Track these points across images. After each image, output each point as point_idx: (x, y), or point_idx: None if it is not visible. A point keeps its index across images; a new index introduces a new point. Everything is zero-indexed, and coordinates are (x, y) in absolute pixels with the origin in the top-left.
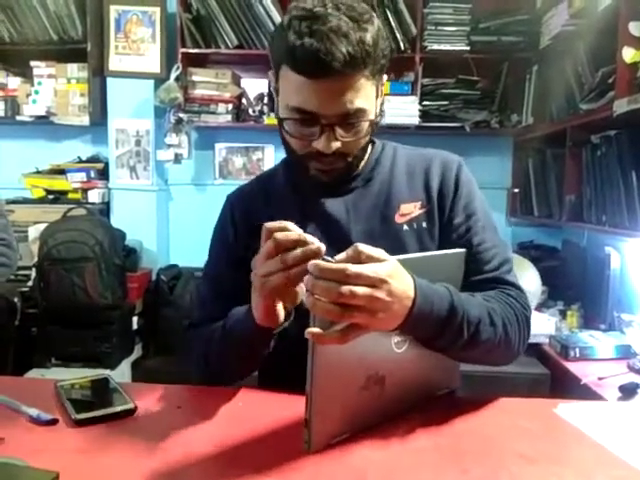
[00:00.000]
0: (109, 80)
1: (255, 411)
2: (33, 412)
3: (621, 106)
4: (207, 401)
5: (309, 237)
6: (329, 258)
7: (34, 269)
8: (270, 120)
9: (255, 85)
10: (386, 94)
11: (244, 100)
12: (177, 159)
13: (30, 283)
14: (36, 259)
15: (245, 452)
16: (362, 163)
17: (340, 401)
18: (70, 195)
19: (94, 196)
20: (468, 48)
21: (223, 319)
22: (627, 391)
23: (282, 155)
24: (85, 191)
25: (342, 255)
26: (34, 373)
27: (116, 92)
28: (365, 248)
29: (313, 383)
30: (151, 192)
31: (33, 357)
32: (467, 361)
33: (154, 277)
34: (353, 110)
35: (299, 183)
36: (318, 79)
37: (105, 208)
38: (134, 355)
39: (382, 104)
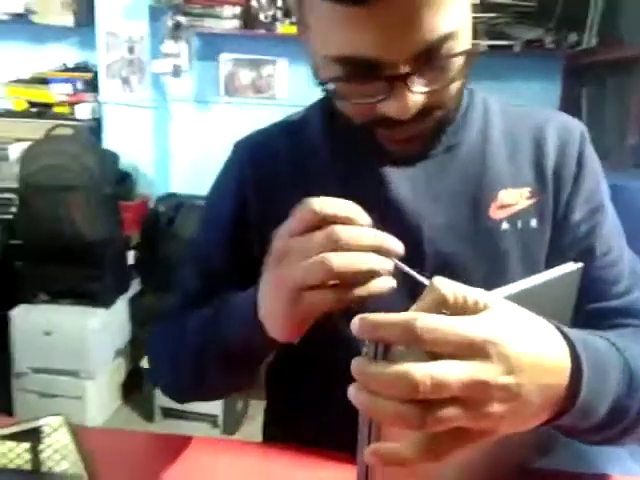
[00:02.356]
0: None
1: None
2: None
3: None
4: (202, 460)
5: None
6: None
7: (17, 195)
8: (285, 28)
9: None
10: None
11: (254, 2)
12: (176, 71)
13: (13, 209)
14: (17, 184)
15: None
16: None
17: None
18: (56, 109)
19: (83, 111)
20: None
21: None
22: None
23: (298, 71)
24: (72, 105)
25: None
26: (21, 309)
27: None
28: (455, 288)
29: None
30: (148, 109)
31: (19, 292)
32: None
33: (152, 206)
34: (437, 40)
35: (344, 142)
36: (372, 4)
37: (96, 125)
38: (131, 292)
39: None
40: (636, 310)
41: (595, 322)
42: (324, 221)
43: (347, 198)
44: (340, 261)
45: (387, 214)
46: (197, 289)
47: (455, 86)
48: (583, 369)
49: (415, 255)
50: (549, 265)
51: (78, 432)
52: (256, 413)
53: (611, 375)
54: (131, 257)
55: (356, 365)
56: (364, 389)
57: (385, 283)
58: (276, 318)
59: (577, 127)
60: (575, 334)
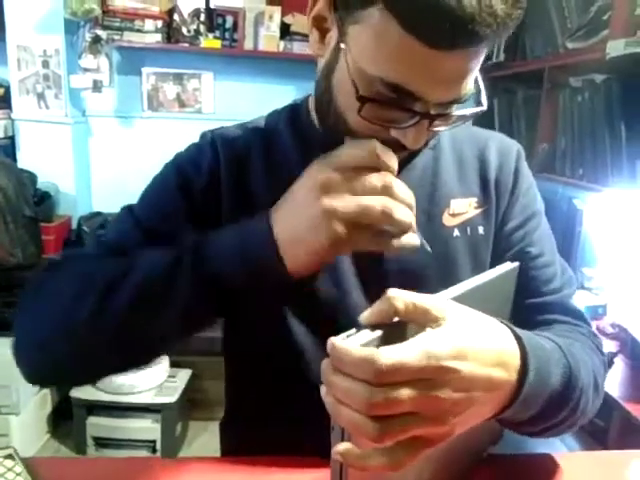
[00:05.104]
0: None
1: None
2: None
3: (616, 48)
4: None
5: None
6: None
7: None
8: (208, 42)
9: None
10: None
11: (176, 16)
12: (96, 86)
13: None
14: None
15: None
16: None
17: None
18: None
19: None
20: None
21: None
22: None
23: (223, 85)
24: None
25: (367, 313)
26: None
27: None
28: (405, 297)
29: None
30: (65, 125)
31: None
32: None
33: (74, 226)
34: (467, 96)
35: (315, 155)
36: (451, 51)
37: (9, 144)
38: None
39: None
40: (565, 307)
41: (531, 315)
42: (372, 166)
43: None
44: (400, 212)
45: None
46: (136, 242)
47: None
48: (529, 373)
49: (376, 261)
50: (491, 267)
51: (29, 463)
52: (194, 437)
53: (552, 374)
54: None
55: (322, 369)
56: (330, 394)
57: (415, 239)
58: (304, 246)
59: (514, 146)
60: (527, 337)
